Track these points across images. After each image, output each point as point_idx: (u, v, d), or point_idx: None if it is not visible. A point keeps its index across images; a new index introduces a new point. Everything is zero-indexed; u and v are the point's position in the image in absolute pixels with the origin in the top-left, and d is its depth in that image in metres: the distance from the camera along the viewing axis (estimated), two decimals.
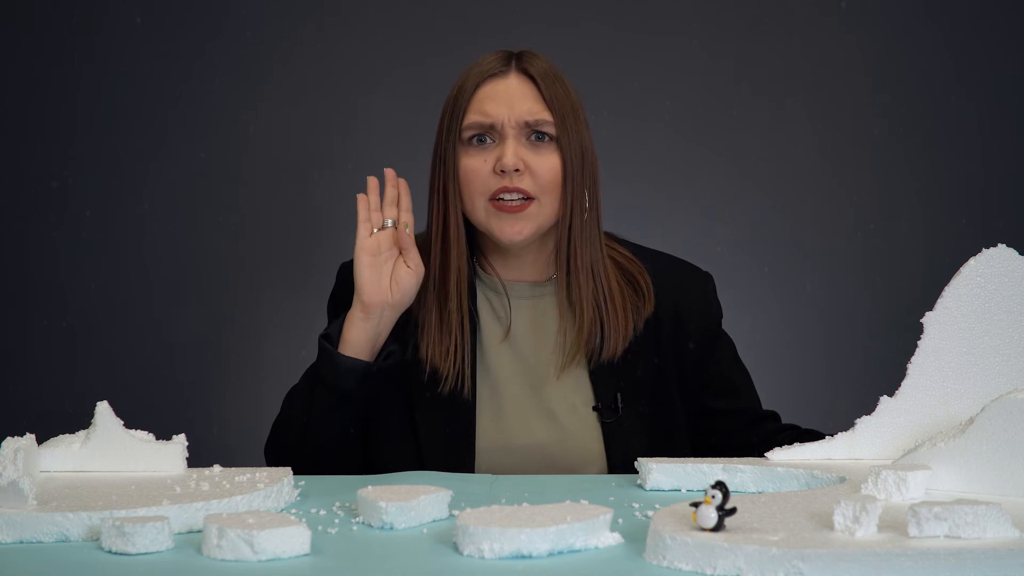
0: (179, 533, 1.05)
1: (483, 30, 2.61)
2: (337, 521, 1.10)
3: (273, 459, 1.58)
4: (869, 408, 1.30)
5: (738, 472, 1.24)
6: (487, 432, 1.56)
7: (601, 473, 1.54)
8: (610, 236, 1.64)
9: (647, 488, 1.25)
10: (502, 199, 1.52)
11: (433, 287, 1.57)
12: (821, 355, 2.67)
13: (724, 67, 2.66)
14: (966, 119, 2.64)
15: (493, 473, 1.46)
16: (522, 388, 1.58)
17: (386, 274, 1.52)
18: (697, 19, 2.65)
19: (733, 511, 0.94)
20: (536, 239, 1.57)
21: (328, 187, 2.60)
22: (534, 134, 1.54)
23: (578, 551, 0.96)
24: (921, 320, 1.28)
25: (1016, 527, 0.92)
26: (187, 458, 1.28)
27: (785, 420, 1.62)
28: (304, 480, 1.28)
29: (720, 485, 0.94)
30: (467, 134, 1.54)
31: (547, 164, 1.53)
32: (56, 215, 2.65)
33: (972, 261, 1.27)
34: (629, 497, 1.20)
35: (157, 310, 2.65)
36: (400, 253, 1.53)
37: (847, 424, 1.31)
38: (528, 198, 1.52)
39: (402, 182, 1.55)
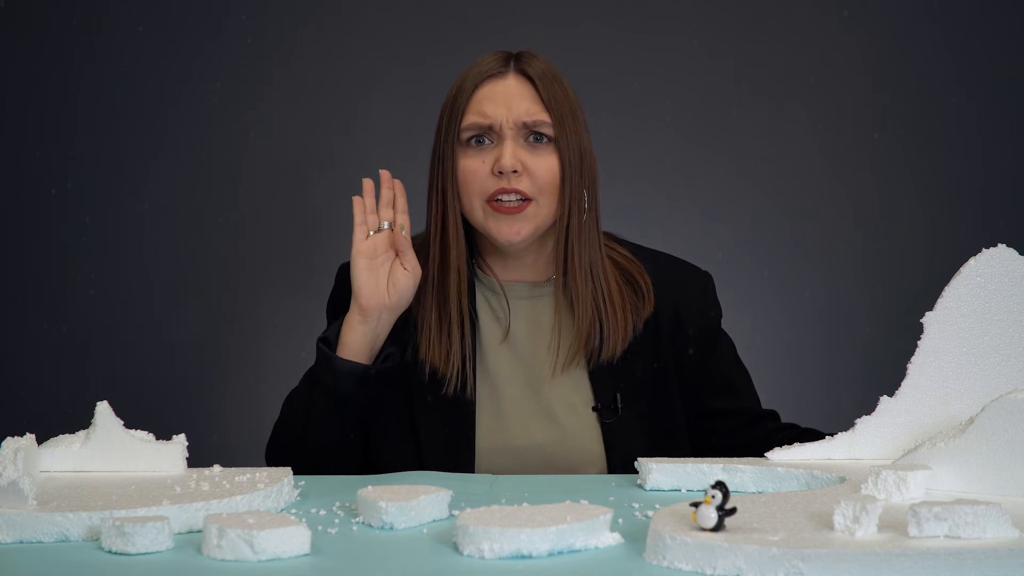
0: (179, 533, 1.05)
1: (483, 30, 2.61)
2: (337, 521, 1.10)
3: (273, 461, 1.58)
4: (869, 408, 1.30)
5: (738, 472, 1.24)
6: (487, 433, 1.56)
7: (601, 473, 1.54)
8: (610, 236, 1.64)
9: (647, 488, 1.25)
10: (500, 200, 1.52)
11: (432, 288, 1.57)
12: (821, 355, 2.67)
13: (724, 67, 2.66)
14: (966, 119, 2.64)
15: (493, 474, 1.46)
16: (522, 389, 1.58)
17: (383, 277, 1.52)
18: (697, 19, 2.65)
19: (733, 511, 0.94)
20: (535, 240, 1.57)
21: (328, 187, 2.60)
22: (532, 135, 1.53)
23: (578, 551, 0.96)
24: (921, 320, 1.28)
25: (1016, 527, 0.92)
26: (187, 458, 1.28)
27: (785, 420, 1.62)
28: (304, 480, 1.28)
29: (720, 485, 0.94)
30: (465, 135, 1.54)
31: (545, 165, 1.53)
32: (56, 215, 2.65)
33: (972, 261, 1.27)
34: (629, 497, 1.20)
35: (157, 310, 2.65)
36: (397, 255, 1.53)
37: (847, 424, 1.31)
38: (526, 199, 1.52)
39: (398, 183, 1.55)
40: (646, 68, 2.65)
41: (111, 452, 1.27)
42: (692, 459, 1.27)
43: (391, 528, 1.07)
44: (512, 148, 1.52)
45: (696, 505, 0.94)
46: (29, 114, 2.64)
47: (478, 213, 1.54)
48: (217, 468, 1.25)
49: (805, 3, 2.66)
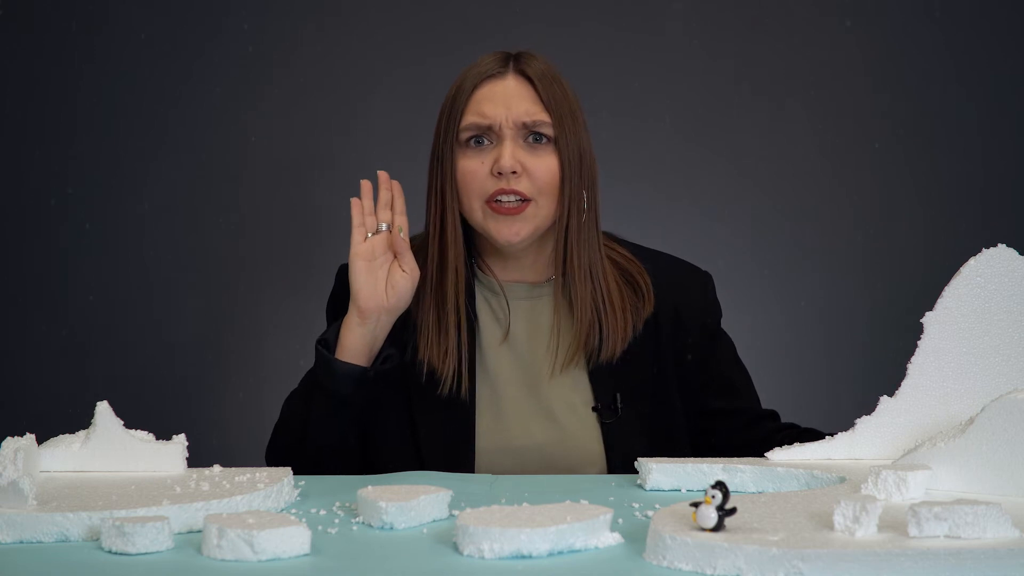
0: (179, 533, 1.05)
1: (483, 30, 2.61)
2: (337, 521, 1.10)
3: (273, 462, 1.58)
4: (869, 408, 1.30)
5: (738, 472, 1.24)
6: (487, 433, 1.56)
7: (601, 473, 1.54)
8: (610, 236, 1.64)
9: (647, 488, 1.25)
10: (499, 201, 1.52)
11: (431, 289, 1.57)
12: (821, 355, 2.67)
13: (724, 67, 2.66)
14: (966, 119, 2.64)
15: (493, 474, 1.46)
16: (521, 389, 1.58)
17: (381, 279, 1.51)
18: (697, 19, 2.65)
19: (733, 511, 0.94)
20: (534, 240, 1.56)
21: (328, 187, 2.60)
22: (532, 135, 1.53)
23: (578, 551, 0.96)
24: (921, 320, 1.28)
25: (1016, 527, 0.92)
26: (187, 458, 1.28)
27: (785, 420, 1.62)
28: (304, 480, 1.28)
29: (720, 485, 0.94)
30: (464, 135, 1.54)
31: (544, 166, 1.53)
32: (56, 215, 2.65)
33: (972, 261, 1.27)
34: (629, 497, 1.20)
35: (157, 310, 2.65)
36: (395, 257, 1.53)
37: (847, 424, 1.31)
38: (525, 200, 1.52)
39: (396, 184, 1.54)
40: (646, 68, 2.65)
41: (111, 452, 1.27)
42: (692, 459, 1.27)
43: (391, 528, 1.07)
44: (511, 149, 1.52)
45: (696, 505, 0.94)
46: (29, 114, 2.64)
47: (477, 214, 1.54)
48: (217, 468, 1.25)
49: (805, 3, 2.66)
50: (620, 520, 1.08)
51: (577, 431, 1.56)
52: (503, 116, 1.52)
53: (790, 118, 2.65)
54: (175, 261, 2.66)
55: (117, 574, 0.93)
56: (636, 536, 1.00)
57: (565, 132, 1.53)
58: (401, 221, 1.53)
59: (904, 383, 1.28)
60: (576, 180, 1.54)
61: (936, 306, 1.28)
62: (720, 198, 2.66)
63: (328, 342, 1.52)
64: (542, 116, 1.53)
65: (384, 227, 1.53)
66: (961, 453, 1.13)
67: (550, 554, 0.95)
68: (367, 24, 2.65)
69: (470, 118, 1.54)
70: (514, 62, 1.56)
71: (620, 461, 1.53)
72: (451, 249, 1.56)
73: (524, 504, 1.02)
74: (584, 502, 1.03)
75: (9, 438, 1.18)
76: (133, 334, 2.65)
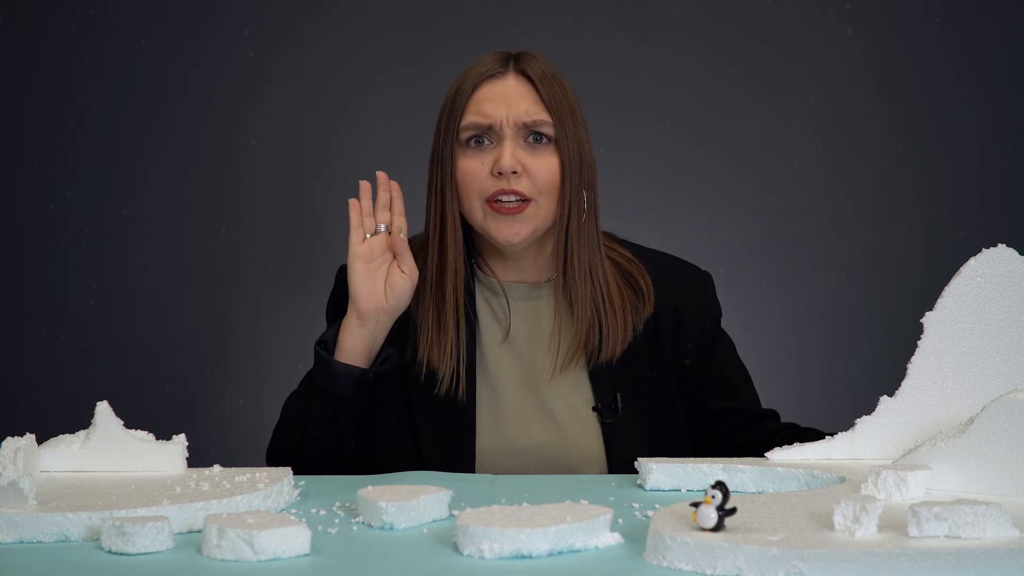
0: (179, 533, 1.05)
1: (483, 30, 2.61)
2: (337, 521, 1.10)
3: (274, 463, 1.58)
4: (869, 408, 1.30)
5: (738, 472, 1.24)
6: (487, 434, 1.56)
7: (601, 473, 1.54)
8: (610, 236, 1.64)
9: (647, 488, 1.25)
10: (499, 201, 1.52)
11: (431, 289, 1.57)
12: (821, 355, 2.67)
13: (724, 67, 2.66)
14: (966, 119, 2.64)
15: (493, 474, 1.46)
16: (521, 389, 1.58)
17: (380, 280, 1.51)
18: (698, 19, 2.65)
19: (733, 511, 0.94)
20: (534, 241, 1.56)
21: (328, 187, 2.60)
22: (532, 135, 1.53)
23: (578, 551, 0.96)
24: (921, 320, 1.28)
25: (1016, 527, 0.92)
26: (187, 458, 1.28)
27: (785, 420, 1.62)
28: (304, 480, 1.28)
29: (720, 485, 0.94)
30: (465, 135, 1.54)
31: (545, 166, 1.53)
32: (56, 215, 2.65)
33: (972, 261, 1.27)
34: (629, 497, 1.20)
35: (157, 310, 2.65)
36: (394, 258, 1.52)
37: (847, 424, 1.31)
38: (525, 200, 1.52)
39: (395, 185, 1.54)
40: (647, 68, 2.65)
41: (111, 452, 1.27)
42: (692, 459, 1.27)
43: (391, 528, 1.07)
44: (511, 148, 1.52)
45: (696, 505, 0.94)
46: (29, 114, 2.64)
47: (477, 214, 1.54)
48: (217, 468, 1.25)
49: (805, 3, 2.66)
50: (620, 520, 1.08)
51: (577, 431, 1.56)
52: (503, 116, 1.52)
53: (790, 118, 2.66)
54: (175, 261, 2.66)
55: (117, 574, 0.93)
56: (636, 536, 1.00)
57: (565, 132, 1.53)
58: (400, 222, 1.53)
59: (904, 383, 1.28)
60: (576, 180, 1.54)
61: (936, 306, 1.28)
62: (720, 198, 2.66)
63: (327, 344, 1.52)
64: (542, 116, 1.53)
65: (383, 228, 1.52)
66: (961, 453, 1.13)
67: (550, 554, 0.95)
68: (367, 24, 2.65)
69: (470, 118, 1.54)
70: (514, 62, 1.56)
71: (620, 461, 1.53)
72: (451, 249, 1.56)
73: (524, 504, 1.02)
74: (584, 502, 1.03)
75: (9, 438, 1.18)
76: (133, 334, 2.65)
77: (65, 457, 1.27)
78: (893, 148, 2.65)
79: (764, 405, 1.66)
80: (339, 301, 1.61)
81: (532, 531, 0.94)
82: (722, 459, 1.28)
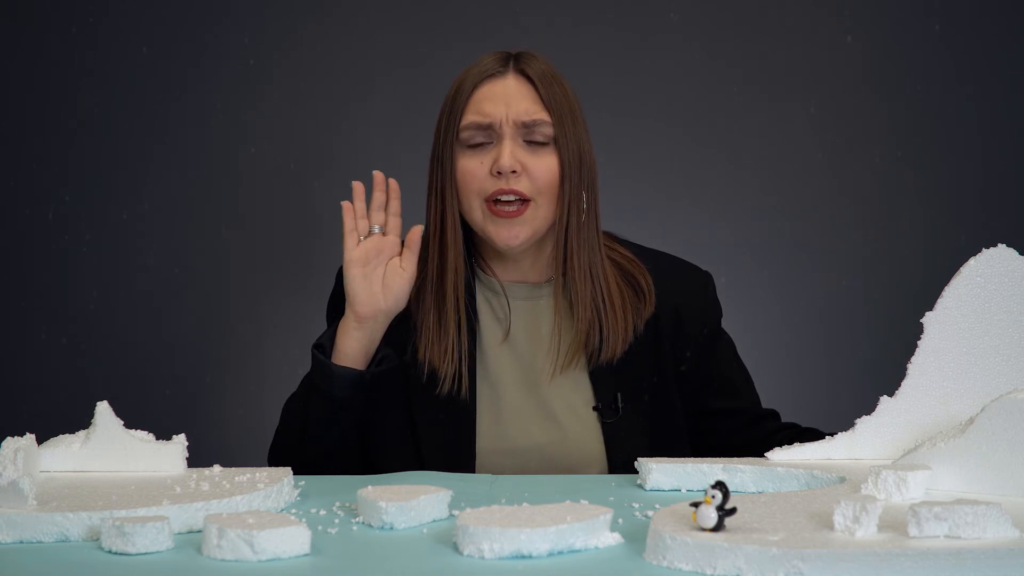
0: (179, 533, 1.05)
1: (483, 30, 2.61)
2: (337, 521, 1.10)
3: (276, 465, 1.57)
4: (869, 408, 1.30)
5: (738, 472, 1.24)
6: (487, 434, 1.56)
7: (602, 473, 1.54)
8: (611, 237, 1.64)
9: (647, 488, 1.25)
10: (499, 202, 1.52)
11: (431, 289, 1.57)
12: (821, 355, 2.67)
13: (724, 67, 2.66)
14: (966, 119, 2.64)
15: (493, 474, 1.46)
16: (522, 389, 1.58)
17: (377, 282, 1.51)
18: (697, 19, 2.65)
19: (733, 511, 0.94)
20: (534, 242, 1.56)
21: (328, 187, 2.60)
22: (531, 135, 1.53)
23: (578, 551, 0.96)
24: (921, 320, 1.28)
25: (1016, 527, 0.92)
26: (187, 458, 1.28)
27: (785, 420, 1.62)
28: (304, 480, 1.28)
29: (720, 485, 0.94)
30: (464, 135, 1.54)
31: (544, 166, 1.53)
32: (56, 215, 2.65)
33: (972, 261, 1.27)
34: (629, 497, 1.20)
35: (157, 310, 2.65)
36: (399, 254, 1.52)
37: (847, 424, 1.31)
38: (525, 200, 1.52)
39: (393, 183, 1.52)
40: (647, 68, 2.65)
41: (111, 452, 1.27)
42: (692, 459, 1.27)
43: (391, 528, 1.07)
44: (511, 148, 1.52)
45: (696, 505, 0.94)
46: (29, 114, 2.64)
47: (477, 214, 1.54)
48: (217, 468, 1.25)
49: (805, 3, 2.66)
50: (620, 520, 1.08)
51: (578, 431, 1.56)
52: (502, 115, 1.52)
53: (790, 118, 2.66)
54: (175, 261, 2.66)
55: (117, 574, 0.93)
56: (636, 536, 1.00)
57: (565, 132, 1.53)
58: (395, 223, 1.52)
59: (904, 383, 1.28)
60: (576, 180, 1.54)
61: (936, 306, 1.28)
62: (720, 198, 2.66)
63: (324, 347, 1.52)
64: (542, 116, 1.53)
65: (376, 229, 1.52)
66: (961, 453, 1.13)
67: (550, 554, 0.95)
68: (367, 24, 2.65)
69: (470, 117, 1.53)
70: (514, 62, 1.56)
71: (621, 461, 1.53)
72: (451, 249, 1.56)
73: (524, 504, 1.02)
74: (584, 502, 1.03)
75: (9, 438, 1.18)
76: (133, 334, 2.65)
77: (65, 457, 1.27)
78: (893, 148, 2.65)
79: (764, 405, 1.66)
80: (339, 301, 1.61)
81: (532, 531, 0.94)
82: (722, 459, 1.28)
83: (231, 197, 2.66)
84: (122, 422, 1.28)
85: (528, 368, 1.59)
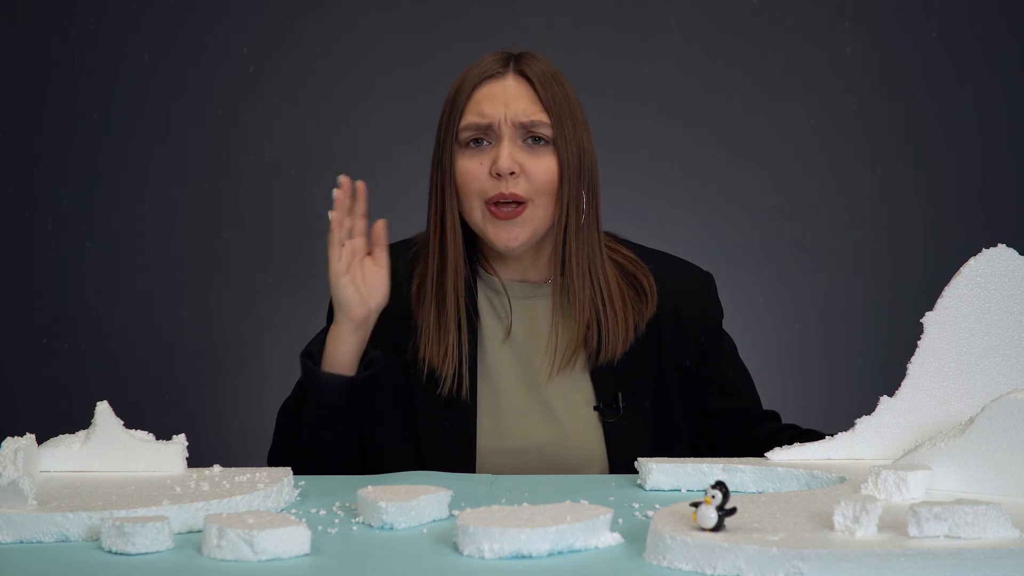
0: (179, 533, 1.05)
1: (483, 30, 2.61)
2: (337, 521, 1.10)
3: (275, 466, 1.58)
4: (869, 408, 1.30)
5: (738, 472, 1.24)
6: (488, 433, 1.56)
7: (602, 473, 1.54)
8: (613, 237, 1.64)
9: (647, 488, 1.25)
10: (498, 203, 1.52)
11: (431, 288, 1.57)
12: (821, 355, 2.67)
13: (724, 67, 2.66)
14: (966, 119, 2.64)
15: (494, 474, 1.46)
16: (522, 389, 1.58)
17: (361, 284, 1.51)
18: (698, 19, 2.65)
19: (733, 511, 0.94)
20: (533, 242, 1.56)
21: (328, 188, 2.57)
22: (530, 136, 1.53)
23: (578, 551, 0.96)
24: (921, 320, 1.28)
25: (1016, 527, 0.92)
26: (187, 458, 1.28)
27: (785, 420, 1.63)
28: (304, 480, 1.28)
29: (720, 485, 0.94)
30: (464, 135, 1.54)
31: (543, 166, 1.52)
32: (55, 214, 2.65)
33: (972, 261, 1.27)
34: (629, 497, 1.20)
35: (157, 310, 2.65)
36: (369, 253, 1.51)
37: (847, 424, 1.31)
38: (522, 202, 1.52)
39: (360, 185, 1.51)
40: (646, 68, 2.65)
41: (111, 452, 1.27)
42: (692, 459, 1.27)
43: (391, 528, 1.07)
44: (509, 149, 1.51)
45: (696, 505, 0.94)
46: (28, 114, 2.64)
47: (476, 215, 1.54)
48: (217, 468, 1.25)
49: (805, 3, 2.66)
50: (620, 520, 1.08)
51: (578, 431, 1.56)
52: (501, 115, 1.52)
53: (790, 118, 2.66)
54: (175, 261, 2.66)
55: (117, 574, 0.93)
56: (636, 536, 1.00)
57: (564, 133, 1.53)
58: (361, 224, 1.51)
59: (904, 383, 1.28)
60: (575, 181, 1.54)
61: (936, 306, 1.28)
62: (720, 198, 2.66)
63: (312, 354, 1.52)
64: (540, 116, 1.53)
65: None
66: (961, 453, 1.13)
67: (550, 554, 0.95)
68: (367, 24, 2.65)
69: (469, 118, 1.53)
70: (514, 62, 1.56)
71: (621, 461, 1.53)
72: (451, 249, 1.56)
73: (524, 504, 1.02)
74: (584, 502, 1.03)
75: (9, 438, 1.18)
76: (133, 334, 2.65)
77: (65, 457, 1.27)
78: (893, 148, 2.65)
79: (765, 406, 1.66)
80: None
81: (532, 531, 0.94)
82: (722, 459, 1.28)
83: (231, 197, 2.66)
84: (122, 422, 1.28)
85: (528, 368, 1.59)
